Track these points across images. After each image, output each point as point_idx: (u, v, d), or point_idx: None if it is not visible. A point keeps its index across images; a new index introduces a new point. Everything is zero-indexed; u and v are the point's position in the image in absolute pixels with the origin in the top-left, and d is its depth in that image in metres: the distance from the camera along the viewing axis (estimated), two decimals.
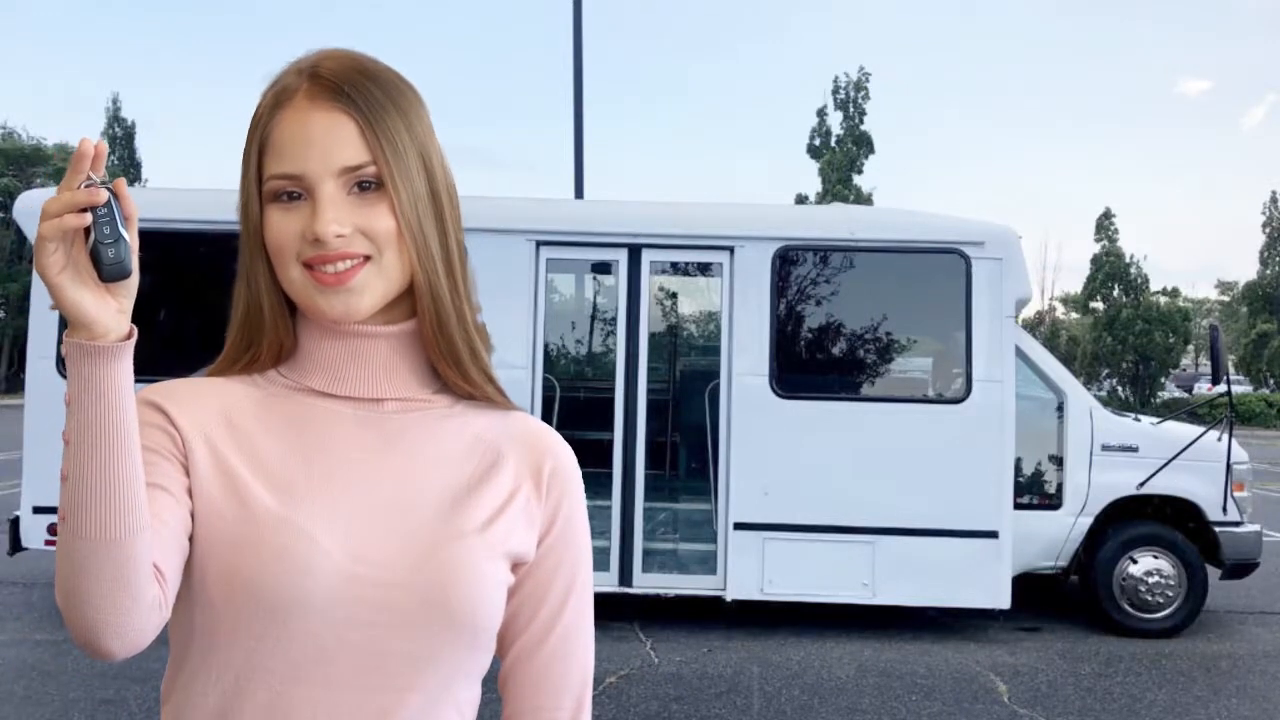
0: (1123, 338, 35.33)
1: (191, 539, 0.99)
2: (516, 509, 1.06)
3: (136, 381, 0.90)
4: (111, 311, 0.86)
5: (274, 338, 1.06)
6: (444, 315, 1.04)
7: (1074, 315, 45.99)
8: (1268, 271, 42.37)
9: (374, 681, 0.98)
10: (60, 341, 0.88)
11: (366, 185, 1.00)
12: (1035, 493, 7.04)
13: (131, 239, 0.87)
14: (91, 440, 0.86)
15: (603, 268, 7.52)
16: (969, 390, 6.59)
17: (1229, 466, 6.94)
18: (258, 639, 0.97)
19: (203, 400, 1.05)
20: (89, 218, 0.84)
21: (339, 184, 0.99)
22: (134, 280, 0.88)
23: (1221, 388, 7.22)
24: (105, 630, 0.88)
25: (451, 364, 1.07)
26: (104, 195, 0.84)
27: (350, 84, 1.00)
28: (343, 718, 0.98)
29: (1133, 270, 36.04)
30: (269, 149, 1.01)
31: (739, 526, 6.58)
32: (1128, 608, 6.89)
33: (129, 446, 0.87)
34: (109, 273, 0.85)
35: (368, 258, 1.00)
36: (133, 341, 0.88)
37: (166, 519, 0.96)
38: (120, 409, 0.86)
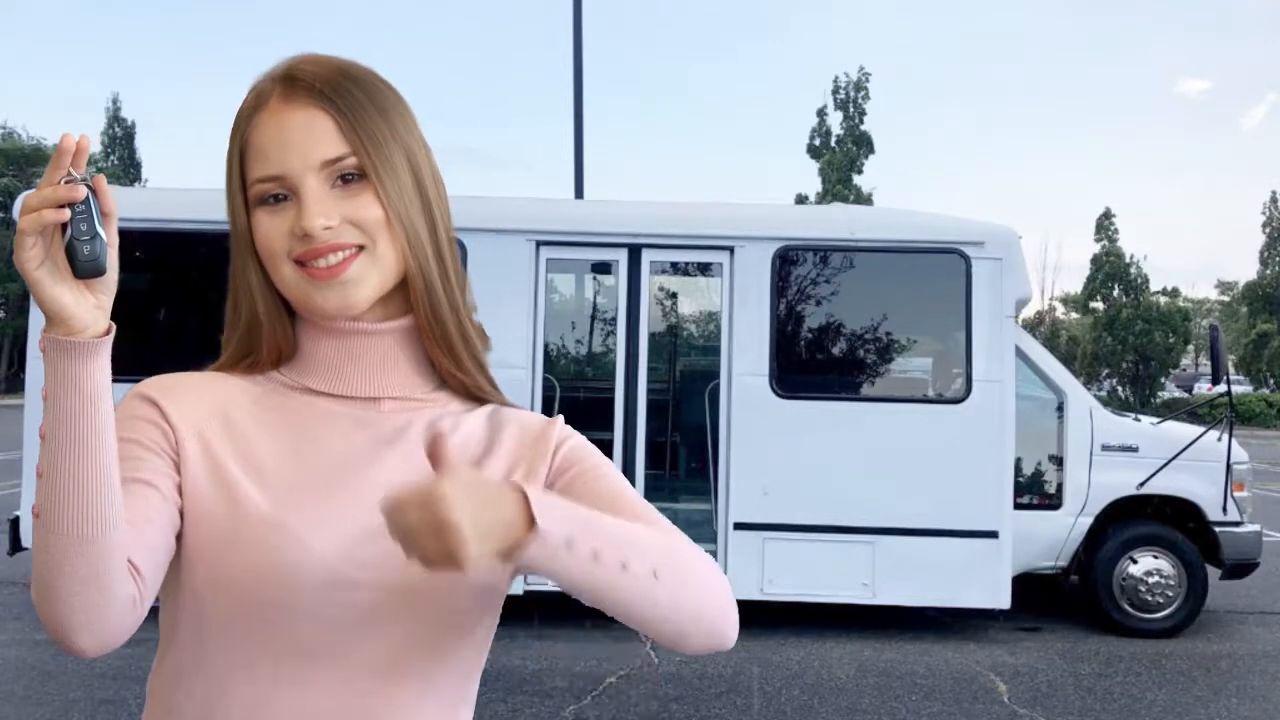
0: (1123, 338, 35.32)
1: (181, 536, 0.99)
2: None
3: (135, 380, 0.90)
4: (89, 307, 0.86)
5: (272, 343, 1.06)
6: (437, 302, 1.04)
7: (1074, 315, 45.97)
8: (1268, 271, 42.37)
9: (362, 683, 0.98)
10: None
11: (349, 177, 1.00)
12: (1035, 493, 7.04)
13: (109, 236, 0.86)
14: (67, 436, 0.85)
15: (603, 268, 7.52)
16: (969, 390, 6.59)
17: (1229, 466, 6.94)
18: (245, 638, 0.97)
19: (198, 397, 1.04)
20: (67, 213, 0.83)
21: (321, 178, 0.99)
22: (113, 277, 0.87)
23: (1221, 388, 7.21)
24: (77, 627, 0.88)
25: (446, 351, 1.07)
26: (83, 192, 0.84)
27: (325, 82, 1.00)
28: (330, 718, 0.98)
29: (1133, 270, 36.03)
30: (249, 154, 1.01)
31: (739, 526, 6.58)
32: (1128, 608, 6.89)
33: (104, 443, 0.87)
34: (83, 269, 0.85)
35: (361, 247, 1.00)
36: (110, 338, 0.87)
37: (150, 516, 0.95)
38: (96, 405, 0.86)
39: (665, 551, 0.95)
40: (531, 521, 0.87)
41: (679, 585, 0.95)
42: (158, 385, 1.05)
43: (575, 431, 1.11)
